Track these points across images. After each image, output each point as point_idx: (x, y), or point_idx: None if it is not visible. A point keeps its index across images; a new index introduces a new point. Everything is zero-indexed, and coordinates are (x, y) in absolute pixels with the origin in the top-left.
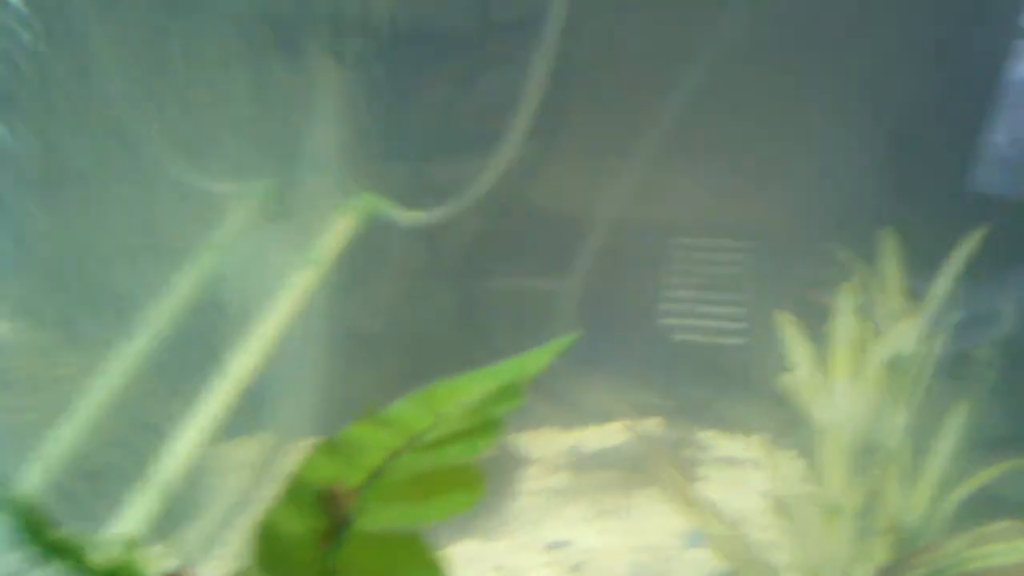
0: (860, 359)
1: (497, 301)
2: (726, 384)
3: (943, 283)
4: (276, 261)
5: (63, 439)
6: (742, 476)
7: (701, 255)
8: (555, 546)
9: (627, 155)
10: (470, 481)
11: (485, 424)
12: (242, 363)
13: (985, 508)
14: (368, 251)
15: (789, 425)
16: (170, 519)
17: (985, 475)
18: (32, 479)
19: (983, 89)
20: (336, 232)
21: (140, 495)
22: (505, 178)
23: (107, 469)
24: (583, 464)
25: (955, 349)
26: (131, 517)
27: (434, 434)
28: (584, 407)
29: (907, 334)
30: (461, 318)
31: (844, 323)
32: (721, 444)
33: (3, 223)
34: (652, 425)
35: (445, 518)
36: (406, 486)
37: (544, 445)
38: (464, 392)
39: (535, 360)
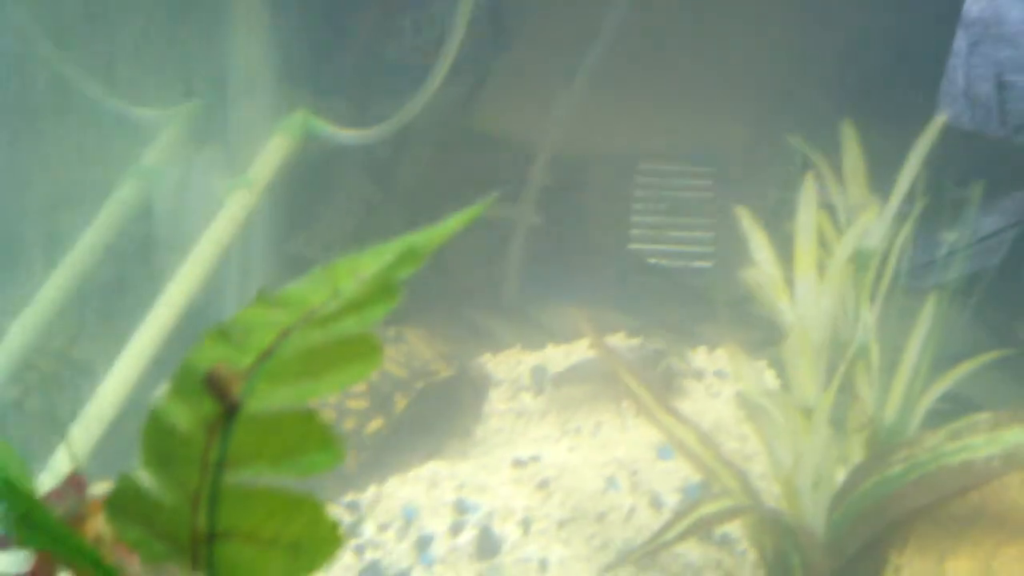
0: (825, 255)
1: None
2: (693, 305)
3: (906, 175)
4: (208, 185)
5: None
6: (711, 387)
7: (666, 181)
8: (521, 463)
9: (575, 81)
10: (366, 351)
11: (381, 291)
12: (177, 292)
13: (959, 415)
14: (318, 184)
15: (758, 340)
16: (112, 455)
17: (960, 370)
18: None
19: (944, 26)
20: (271, 153)
21: (75, 433)
22: (454, 108)
23: (40, 410)
24: (549, 383)
25: (917, 285)
26: (66, 455)
27: (329, 308)
28: (549, 328)
29: (871, 227)
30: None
31: (807, 217)
32: (688, 357)
33: None
34: (617, 340)
35: (340, 391)
36: (298, 363)
37: (509, 367)
38: (366, 265)
39: (443, 229)
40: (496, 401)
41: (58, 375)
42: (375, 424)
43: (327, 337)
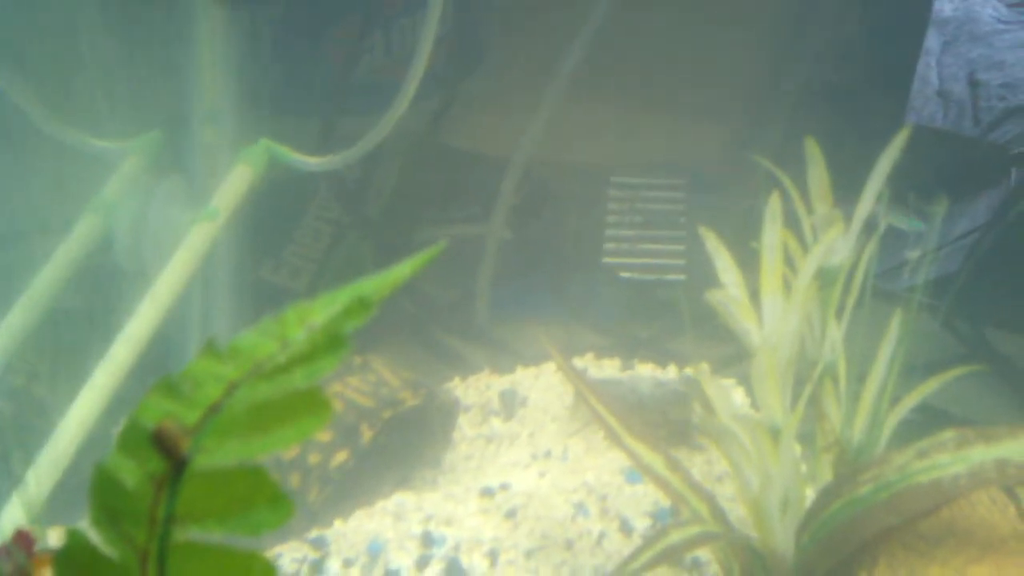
0: (791, 273)
1: (422, 251)
2: (665, 319)
3: (872, 188)
4: (170, 217)
5: None
6: None
7: (639, 192)
8: (490, 492)
9: (545, 96)
10: (314, 406)
11: (330, 343)
12: (138, 328)
13: (930, 426)
14: (285, 208)
15: (728, 357)
16: (70, 497)
17: (928, 386)
18: None
19: (917, 25)
20: (234, 183)
21: (32, 477)
22: (423, 126)
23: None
24: (518, 408)
25: (889, 286)
26: (21, 499)
27: (278, 361)
28: (519, 351)
29: (837, 243)
30: (386, 271)
31: (771, 236)
32: (657, 376)
33: None
34: (585, 362)
35: (289, 447)
36: (247, 418)
37: (478, 391)
38: (315, 314)
39: (396, 274)
40: (465, 427)
41: (17, 415)
42: (341, 456)
43: (275, 391)
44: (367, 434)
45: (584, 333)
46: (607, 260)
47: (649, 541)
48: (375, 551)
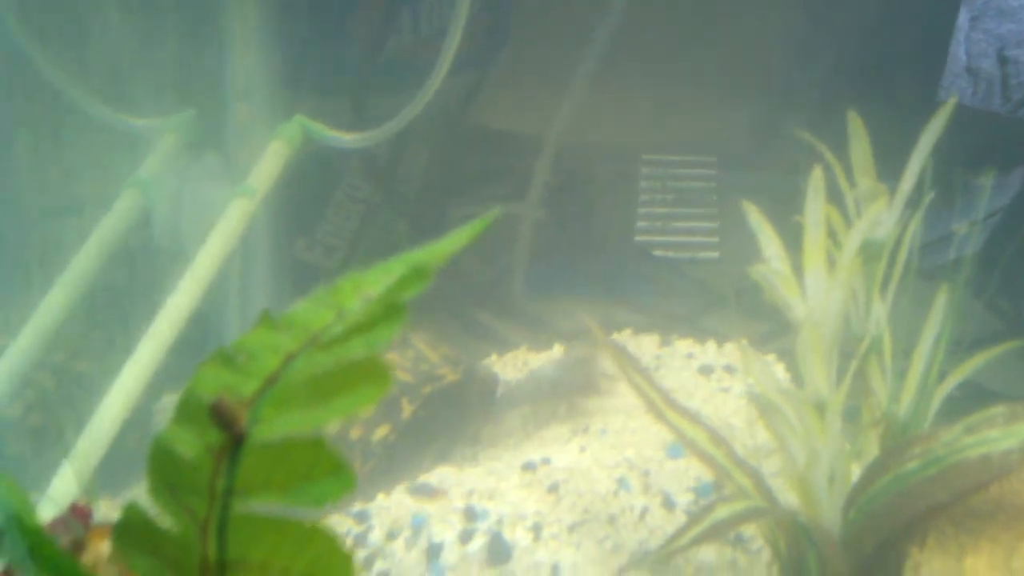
0: (834, 247)
1: (456, 229)
2: (700, 297)
3: (916, 161)
4: (207, 194)
5: None
6: (721, 382)
7: (670, 171)
8: (531, 467)
9: (575, 74)
10: (374, 375)
11: (388, 312)
12: (178, 304)
13: (973, 403)
14: (318, 186)
15: (765, 334)
16: (115, 471)
17: (975, 362)
18: None
19: (949, 7)
20: (270, 159)
21: (78, 450)
22: (454, 104)
23: (41, 427)
24: (557, 384)
25: (929, 265)
26: (69, 475)
27: (335, 331)
28: (556, 327)
29: (881, 217)
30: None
31: (815, 209)
32: (696, 353)
33: None
34: (623, 338)
35: (349, 416)
36: (305, 389)
37: (516, 367)
38: (370, 284)
39: (450, 243)
40: (503, 403)
41: (59, 391)
42: (382, 431)
43: (334, 362)
44: (407, 409)
45: (620, 311)
46: (639, 239)
47: (696, 517)
48: (418, 524)
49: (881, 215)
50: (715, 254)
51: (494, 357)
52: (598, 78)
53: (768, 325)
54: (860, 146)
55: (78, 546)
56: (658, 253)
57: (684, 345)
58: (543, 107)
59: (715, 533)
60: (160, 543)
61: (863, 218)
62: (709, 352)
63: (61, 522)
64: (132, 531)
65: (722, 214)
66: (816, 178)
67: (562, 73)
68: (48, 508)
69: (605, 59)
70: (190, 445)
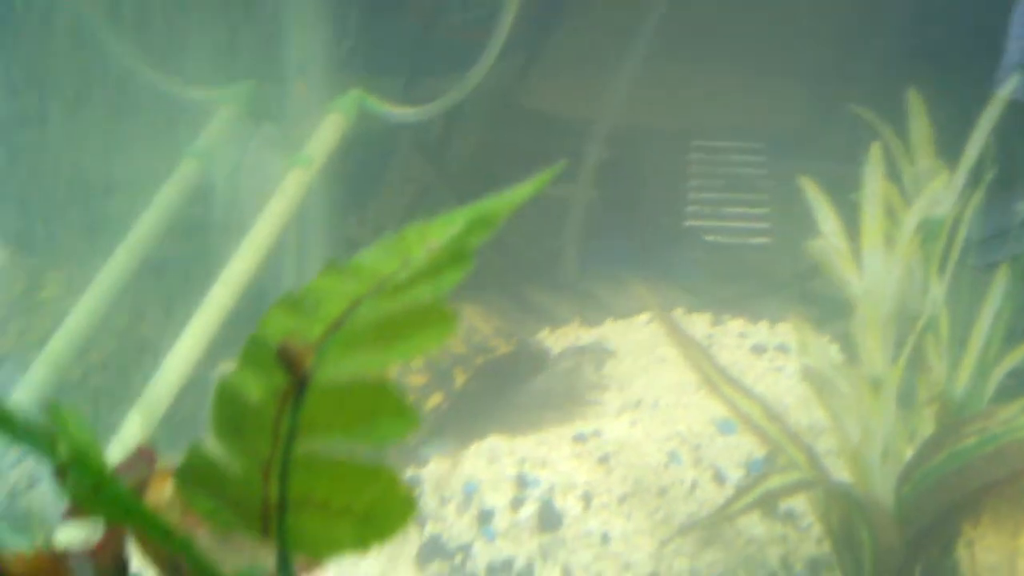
0: (892, 224)
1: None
2: (751, 281)
3: (975, 141)
4: (265, 164)
5: (49, 362)
6: (774, 361)
7: (721, 156)
8: (582, 438)
9: (629, 58)
10: (438, 319)
11: (453, 258)
12: (236, 271)
13: None
14: (370, 165)
15: (818, 317)
16: (172, 434)
17: None
18: (22, 399)
19: None
20: (326, 131)
21: (135, 414)
22: (505, 85)
23: (103, 388)
24: (609, 357)
25: (988, 259)
26: (127, 436)
27: (400, 277)
28: (607, 304)
29: (940, 196)
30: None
31: (874, 186)
32: (749, 332)
33: None
34: (677, 316)
35: (413, 359)
36: (370, 333)
37: (568, 342)
38: (435, 233)
39: (514, 196)
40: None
41: (121, 354)
42: (435, 399)
43: (399, 306)
44: (460, 379)
45: (671, 290)
46: (690, 223)
47: (748, 486)
48: (470, 490)
49: (940, 193)
50: (766, 240)
51: (546, 332)
52: (650, 62)
53: (817, 310)
54: (919, 125)
55: (142, 487)
56: (709, 238)
57: (736, 325)
58: (595, 90)
59: (767, 501)
60: (222, 484)
61: (923, 195)
62: (762, 332)
63: (127, 464)
64: (195, 472)
65: (774, 200)
66: (875, 155)
67: (614, 56)
68: (115, 452)
69: (656, 42)
70: (255, 388)
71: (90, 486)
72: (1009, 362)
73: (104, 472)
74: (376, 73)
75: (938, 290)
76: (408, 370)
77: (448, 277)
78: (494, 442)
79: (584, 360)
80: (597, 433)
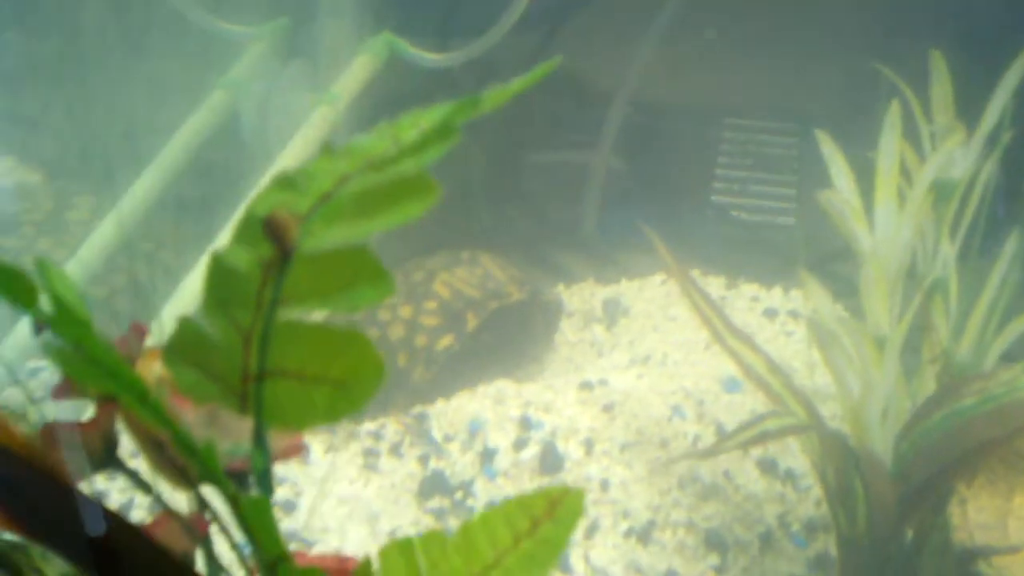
0: (907, 185)
1: (531, 173)
2: (772, 258)
3: (997, 102)
4: (293, 100)
5: (75, 273)
6: (785, 326)
7: (752, 136)
8: (589, 386)
9: (652, 26)
10: (420, 189)
11: (440, 133)
12: None
13: None
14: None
15: (834, 294)
16: None
17: None
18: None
19: None
20: (356, 71)
21: (155, 329)
22: (535, 51)
23: (126, 310)
24: (620, 317)
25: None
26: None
27: (389, 154)
28: (624, 264)
29: (956, 157)
30: (493, 188)
31: (889, 142)
32: (762, 297)
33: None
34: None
35: (394, 228)
36: (355, 204)
37: (582, 299)
38: (427, 117)
39: (509, 88)
40: (567, 331)
41: (146, 278)
42: (446, 341)
43: (384, 178)
44: (472, 322)
45: (690, 256)
46: (715, 199)
47: (746, 425)
48: (475, 429)
49: (956, 153)
50: (791, 220)
51: (561, 288)
52: (683, 36)
53: (838, 287)
54: (941, 85)
55: (131, 361)
56: (734, 214)
57: (750, 289)
58: (621, 58)
59: (762, 440)
60: (207, 356)
61: (937, 152)
62: (775, 297)
63: (120, 339)
64: (182, 344)
65: (802, 183)
66: (892, 113)
67: (643, 25)
68: None
69: (688, 15)
70: (244, 259)
71: (74, 340)
72: (1015, 327)
73: (87, 327)
74: (409, 31)
75: (949, 252)
76: (421, 311)
77: (433, 150)
78: (501, 385)
79: (596, 315)
80: (604, 383)
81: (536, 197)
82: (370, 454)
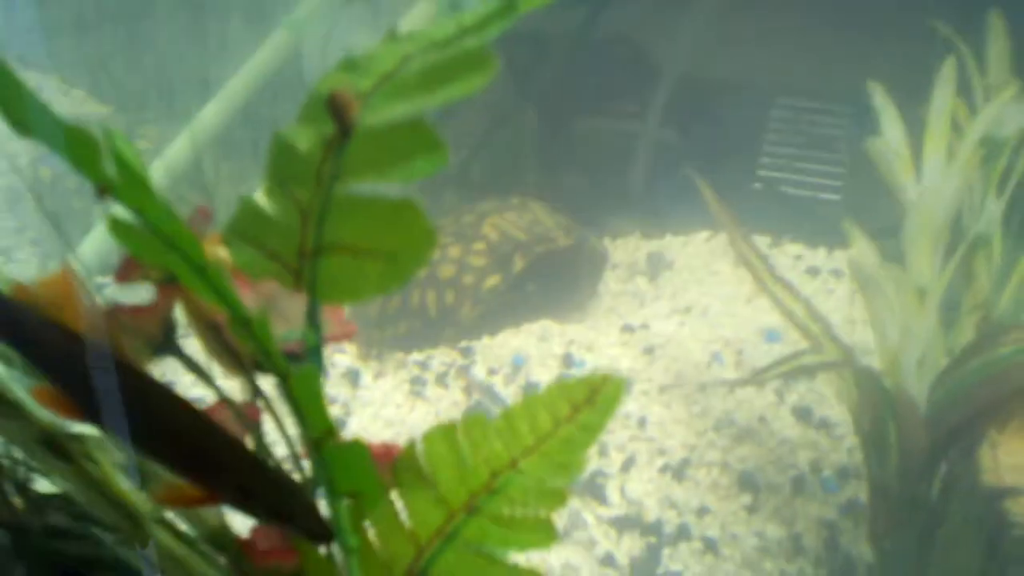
0: (957, 140)
1: (583, 140)
2: (816, 220)
3: None
4: (354, 41)
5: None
6: (826, 284)
7: (803, 116)
8: (631, 329)
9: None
10: (480, 63)
11: (501, 12)
12: None
13: None
14: None
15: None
16: None
17: None
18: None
19: None
20: (416, 16)
21: None
22: (587, 22)
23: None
24: (664, 270)
25: None
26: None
27: (452, 35)
28: (669, 222)
29: (1008, 115)
30: (545, 152)
31: (942, 97)
32: (806, 256)
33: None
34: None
35: (451, 102)
36: (416, 80)
37: (627, 252)
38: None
39: None
40: (611, 282)
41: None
42: (493, 280)
43: (446, 56)
44: (519, 264)
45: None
46: (762, 173)
47: (785, 359)
48: (518, 363)
49: (1009, 110)
50: (836, 196)
51: (607, 241)
52: (738, 15)
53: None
54: (998, 44)
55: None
56: (781, 188)
57: (794, 248)
58: (672, 31)
59: (800, 373)
60: (265, 233)
61: (990, 104)
62: (819, 256)
63: (188, 220)
64: (243, 223)
65: (850, 163)
66: (947, 69)
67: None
68: None
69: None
70: (306, 138)
71: (136, 205)
72: None
73: (150, 190)
74: None
75: (995, 208)
76: (469, 251)
77: (494, 27)
78: (546, 323)
79: (640, 268)
80: (645, 327)
81: (587, 162)
82: (417, 382)
